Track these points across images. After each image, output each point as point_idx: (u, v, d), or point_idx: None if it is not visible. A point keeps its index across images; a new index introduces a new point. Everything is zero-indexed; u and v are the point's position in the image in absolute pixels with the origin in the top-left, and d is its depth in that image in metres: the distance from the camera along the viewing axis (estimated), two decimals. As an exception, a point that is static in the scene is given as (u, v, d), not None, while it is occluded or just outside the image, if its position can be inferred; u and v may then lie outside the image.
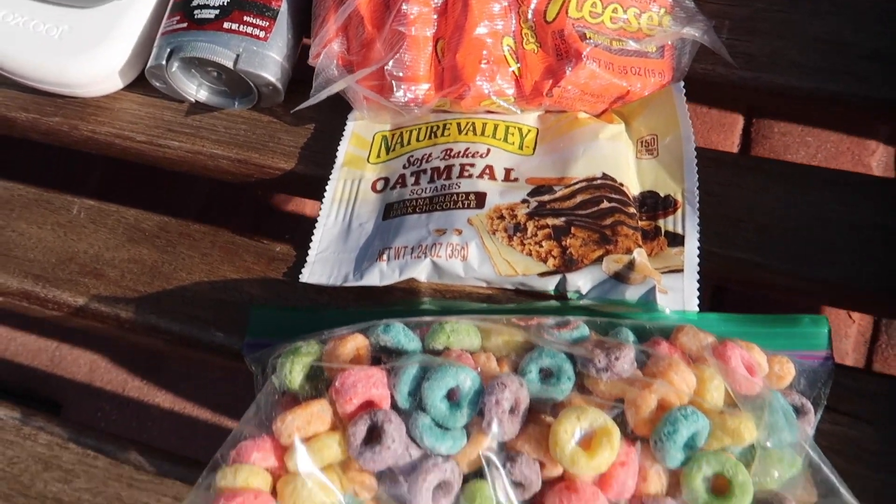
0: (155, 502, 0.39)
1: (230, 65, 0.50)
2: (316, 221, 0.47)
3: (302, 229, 1.10)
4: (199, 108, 0.55)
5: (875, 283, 0.43)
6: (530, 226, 0.42)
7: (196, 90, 0.55)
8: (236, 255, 0.48)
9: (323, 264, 0.45)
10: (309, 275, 0.45)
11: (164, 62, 0.51)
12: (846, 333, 0.91)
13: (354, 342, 0.35)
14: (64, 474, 0.40)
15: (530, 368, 0.34)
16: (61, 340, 1.10)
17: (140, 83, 0.57)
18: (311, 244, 0.46)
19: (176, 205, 1.12)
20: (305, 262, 0.46)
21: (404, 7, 0.46)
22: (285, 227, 1.11)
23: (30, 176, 0.57)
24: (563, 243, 0.41)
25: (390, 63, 0.45)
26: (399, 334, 0.35)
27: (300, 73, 0.54)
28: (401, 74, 0.46)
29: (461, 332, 0.35)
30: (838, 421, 0.39)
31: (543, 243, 0.42)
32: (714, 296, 0.94)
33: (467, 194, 0.44)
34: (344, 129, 0.51)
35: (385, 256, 0.43)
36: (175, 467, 0.41)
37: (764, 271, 0.45)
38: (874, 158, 1.02)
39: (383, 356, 0.35)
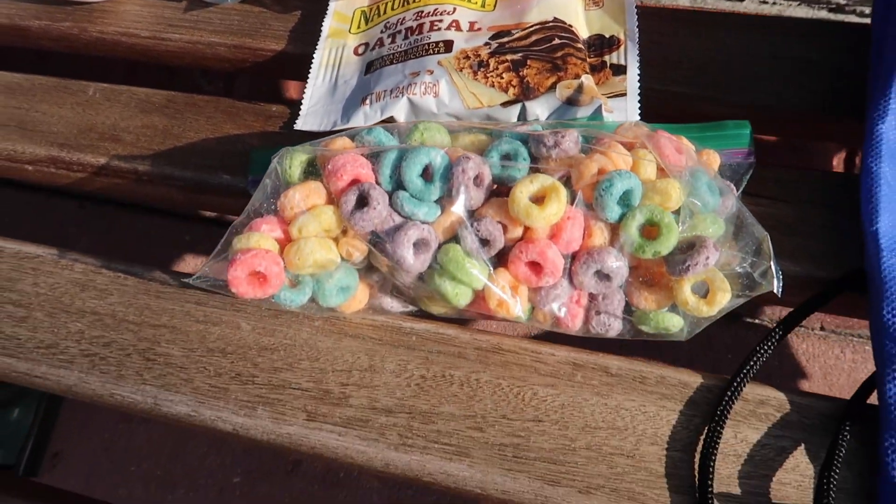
0: (180, 308, 0.45)
1: (222, -46, 0.56)
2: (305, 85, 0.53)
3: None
4: (196, 4, 0.61)
5: (796, 105, 0.50)
6: (492, 62, 0.49)
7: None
8: (237, 115, 0.54)
9: (314, 115, 0.52)
10: (302, 124, 0.51)
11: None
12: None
13: (342, 141, 0.41)
14: (99, 293, 0.47)
15: (492, 154, 0.40)
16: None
17: (140, -12, 0.63)
18: (302, 101, 0.52)
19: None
20: (298, 115, 0.52)
21: None
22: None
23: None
24: (521, 73, 0.48)
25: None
26: (380, 135, 0.41)
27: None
28: (374, -56, 0.52)
29: (433, 130, 0.41)
30: (759, 203, 0.45)
31: (504, 75, 0.48)
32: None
33: (437, 43, 0.50)
34: (327, 10, 0.57)
35: (367, 101, 0.50)
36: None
37: (697, 101, 0.51)
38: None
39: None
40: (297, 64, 0.59)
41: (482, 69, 0.48)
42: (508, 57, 0.48)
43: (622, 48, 0.49)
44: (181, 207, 1.15)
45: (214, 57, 0.60)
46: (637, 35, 0.49)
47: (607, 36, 0.50)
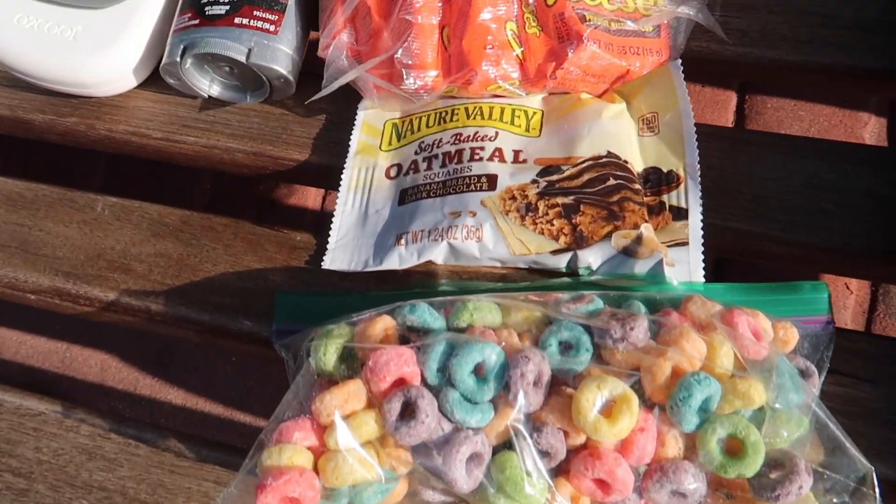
0: (197, 486, 0.41)
1: (243, 59, 0.52)
2: (332, 210, 0.49)
3: (307, 218, 1.12)
4: (212, 103, 0.57)
5: (867, 247, 0.46)
6: (541, 205, 0.44)
7: (209, 85, 0.56)
8: (258, 245, 0.50)
9: (343, 250, 0.47)
10: (331, 261, 0.47)
11: (178, 59, 0.53)
12: (844, 304, 0.94)
13: (383, 323, 0.37)
14: (107, 463, 0.43)
15: (550, 342, 0.36)
16: (72, 342, 1.12)
17: (153, 80, 0.58)
18: (330, 231, 0.48)
19: (180, 198, 1.14)
20: (326, 249, 0.48)
21: (409, -3, 0.48)
22: (291, 218, 1.13)
23: (41, 169, 0.58)
24: (574, 221, 0.44)
25: (399, 52, 0.47)
26: (425, 314, 0.37)
27: (310, 64, 0.55)
28: (410, 62, 0.47)
29: (483, 310, 0.37)
30: (841, 382, 0.41)
31: (555, 221, 0.44)
32: (717, 267, 0.96)
33: (479, 177, 0.46)
34: (355, 119, 0.53)
35: (403, 241, 0.45)
36: (213, 453, 0.44)
37: (762, 240, 0.47)
38: (866, 130, 1.04)
39: (411, 335, 0.37)
40: (321, 175, 0.54)
41: (530, 213, 0.44)
42: (559, 200, 0.44)
43: (682, 187, 0.45)
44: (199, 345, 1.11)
45: (232, 162, 0.56)
46: (698, 171, 0.45)
47: (665, 171, 0.46)
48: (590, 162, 0.45)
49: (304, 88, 0.54)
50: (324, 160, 0.54)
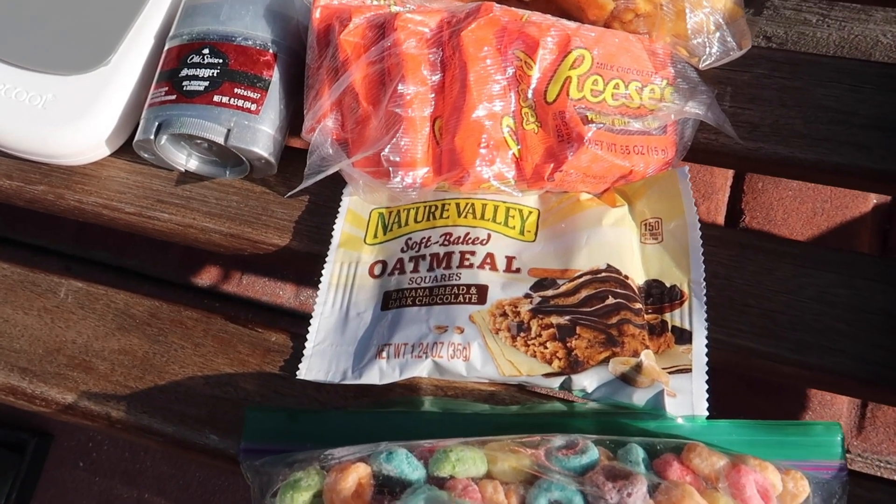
0: None
1: (221, 141, 0.49)
2: (310, 300, 0.46)
3: (286, 294, 1.09)
4: (189, 176, 0.54)
5: (882, 373, 0.43)
6: (534, 325, 0.41)
7: (186, 160, 0.53)
8: (230, 345, 0.46)
9: (321, 358, 0.44)
10: (307, 370, 0.44)
11: (152, 137, 0.50)
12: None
13: (356, 473, 0.34)
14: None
15: (539, 500, 0.33)
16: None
17: (128, 148, 0.55)
18: (307, 335, 0.45)
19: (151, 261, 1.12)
20: (302, 355, 0.44)
21: (400, 87, 0.45)
22: (268, 291, 1.11)
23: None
24: (569, 344, 0.40)
25: (387, 148, 0.44)
26: (402, 463, 0.34)
27: (294, 138, 0.52)
28: (398, 159, 0.44)
29: (466, 461, 0.34)
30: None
31: (548, 344, 0.40)
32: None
33: (468, 287, 0.43)
34: (339, 205, 0.50)
35: (385, 354, 0.42)
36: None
37: (770, 360, 0.44)
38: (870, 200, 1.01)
39: (385, 489, 0.34)
40: (301, 262, 0.51)
41: (522, 334, 0.41)
42: (553, 320, 0.41)
43: (686, 306, 0.42)
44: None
45: (208, 242, 0.53)
46: (704, 288, 0.42)
47: (668, 285, 0.43)
48: (588, 276, 0.42)
49: (287, 165, 0.51)
50: (305, 247, 0.51)
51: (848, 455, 0.99)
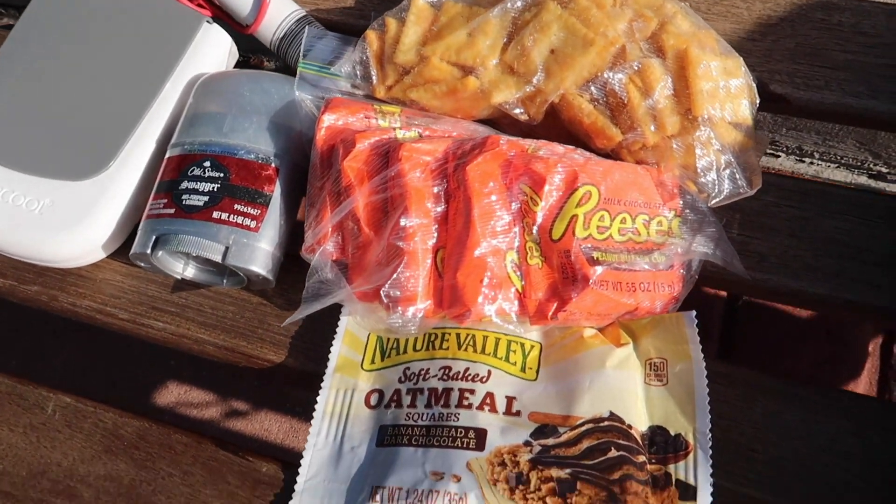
0: None
1: (218, 259, 0.48)
2: (303, 420, 0.44)
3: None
4: (185, 282, 0.53)
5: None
6: (533, 477, 0.40)
7: (182, 269, 0.52)
8: (219, 475, 0.45)
9: (312, 495, 0.43)
10: (296, 511, 0.42)
11: (149, 251, 0.49)
12: None
13: None
14: None
15: None
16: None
17: (125, 250, 0.54)
18: (299, 469, 0.43)
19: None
20: (293, 490, 0.43)
21: (403, 220, 0.44)
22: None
23: None
24: (569, 501, 0.39)
25: (387, 284, 0.43)
26: None
27: (293, 248, 0.51)
28: (398, 294, 0.43)
29: None
30: None
31: (548, 499, 0.39)
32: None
33: (466, 430, 0.42)
34: (338, 324, 0.49)
35: (378, 498, 0.41)
36: None
37: (778, 514, 0.43)
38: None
39: None
40: (296, 380, 0.50)
41: (521, 486, 0.40)
42: (553, 473, 0.40)
43: (691, 458, 0.41)
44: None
45: (202, 353, 0.52)
46: (709, 440, 0.41)
47: (672, 434, 0.41)
48: (590, 425, 0.41)
49: (286, 275, 0.50)
50: (300, 365, 0.50)
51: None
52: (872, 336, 0.92)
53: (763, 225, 0.50)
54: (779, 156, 1.06)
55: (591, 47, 0.46)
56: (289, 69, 0.57)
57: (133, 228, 0.54)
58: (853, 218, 0.50)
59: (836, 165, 1.06)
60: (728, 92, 0.47)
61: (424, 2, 0.51)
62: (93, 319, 0.53)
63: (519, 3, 0.49)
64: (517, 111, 0.49)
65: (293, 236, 0.51)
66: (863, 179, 1.06)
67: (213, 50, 0.58)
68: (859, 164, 1.04)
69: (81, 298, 0.54)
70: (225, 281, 0.53)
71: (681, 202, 0.47)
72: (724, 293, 0.99)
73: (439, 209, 0.45)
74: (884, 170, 1.03)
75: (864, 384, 0.91)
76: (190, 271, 0.53)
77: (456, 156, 0.45)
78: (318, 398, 0.46)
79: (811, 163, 1.06)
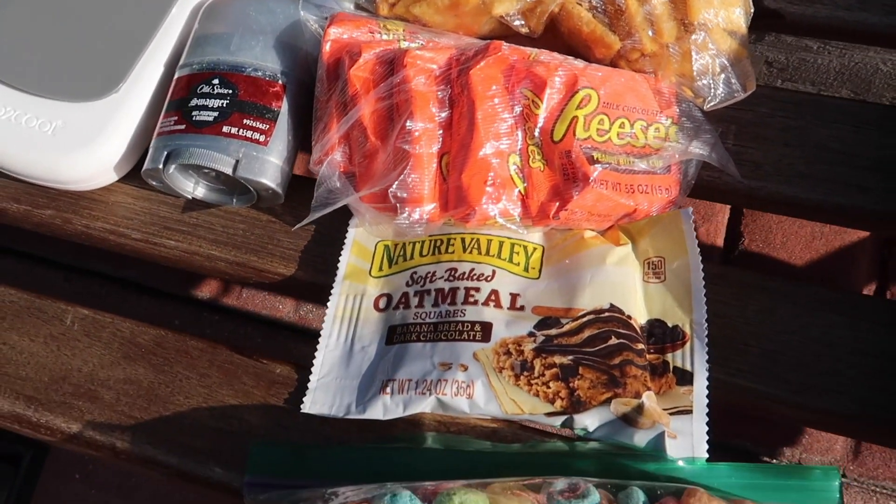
0: None
1: (229, 171, 0.49)
2: (317, 341, 0.46)
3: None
4: (196, 203, 0.54)
5: (885, 417, 0.43)
6: (537, 364, 0.41)
7: (193, 188, 0.54)
8: (235, 376, 0.47)
9: (325, 391, 0.44)
10: (311, 404, 0.44)
11: (160, 166, 0.50)
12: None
13: (360, 516, 0.34)
14: None
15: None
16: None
17: (136, 173, 0.55)
18: (312, 368, 0.45)
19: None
20: (307, 388, 0.45)
21: (409, 124, 0.45)
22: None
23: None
24: (571, 385, 0.41)
25: (394, 185, 0.44)
26: (406, 503, 0.34)
27: (301, 165, 0.53)
28: (405, 196, 0.45)
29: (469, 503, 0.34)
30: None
31: (551, 384, 0.41)
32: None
33: (472, 324, 0.43)
34: (346, 235, 0.50)
35: (388, 389, 0.42)
36: None
37: (770, 401, 0.44)
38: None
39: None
40: (306, 291, 0.51)
41: (525, 373, 0.41)
42: (556, 360, 0.41)
43: (688, 347, 0.42)
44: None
45: (214, 269, 0.53)
46: (706, 329, 0.42)
47: (670, 325, 0.43)
48: (591, 316, 0.42)
49: (294, 194, 0.51)
50: (310, 277, 0.51)
51: (844, 480, 0.99)
52: (871, 245, 0.95)
53: (757, 135, 0.52)
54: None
55: (590, -42, 0.47)
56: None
57: (144, 151, 0.55)
58: (846, 126, 0.51)
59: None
60: (723, 0, 0.49)
61: (425, -81, 0.52)
62: (106, 241, 0.55)
63: (518, -83, 0.50)
64: (518, 23, 0.50)
65: (301, 158, 0.52)
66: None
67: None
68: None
69: (94, 220, 0.55)
70: (235, 200, 0.54)
71: (677, 110, 0.49)
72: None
73: (444, 115, 0.46)
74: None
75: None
76: (200, 191, 0.54)
77: (459, 62, 0.46)
78: (328, 303, 0.47)
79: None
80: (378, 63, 0.47)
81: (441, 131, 0.46)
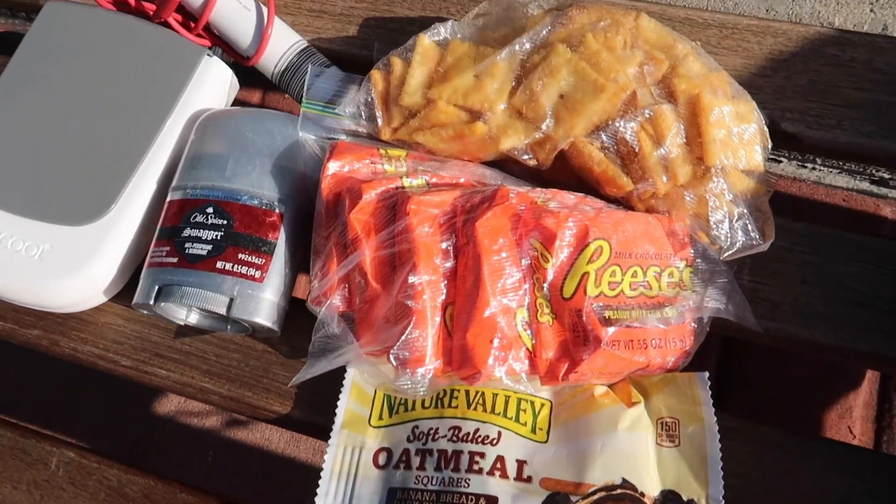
0: None
1: (223, 312, 0.47)
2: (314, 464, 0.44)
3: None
4: (188, 329, 0.52)
5: None
6: (546, 548, 0.39)
7: (186, 315, 0.52)
8: (227, 536, 0.44)
9: (321, 558, 0.42)
10: (305, 575, 0.42)
11: (151, 302, 0.48)
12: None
13: None
14: None
15: None
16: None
17: (127, 292, 0.53)
18: (308, 530, 0.43)
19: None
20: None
21: (411, 278, 0.43)
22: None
23: None
24: (582, 572, 0.39)
25: (396, 346, 0.42)
26: None
27: (300, 288, 0.50)
28: (407, 356, 0.42)
29: None
30: None
31: (560, 571, 0.39)
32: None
33: (477, 498, 0.41)
34: (344, 376, 0.48)
35: (388, 564, 0.40)
36: None
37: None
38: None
39: None
40: (303, 430, 0.49)
41: (533, 558, 0.39)
42: (566, 543, 0.39)
43: (703, 528, 0.40)
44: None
45: (206, 402, 0.51)
46: (722, 505, 0.40)
47: (685, 499, 0.41)
48: (602, 493, 0.40)
49: (292, 320, 0.50)
50: (307, 416, 0.49)
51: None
52: (870, 379, 0.90)
53: (774, 271, 0.50)
54: (780, 161, 1.05)
55: (602, 93, 0.45)
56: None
57: (135, 271, 0.53)
58: (866, 264, 0.49)
59: (838, 171, 1.05)
60: (741, 138, 0.46)
61: (430, 41, 0.50)
62: (95, 365, 0.53)
63: (527, 45, 0.48)
64: (526, 157, 0.48)
65: (300, 276, 0.50)
66: (864, 185, 1.05)
67: (214, 83, 0.57)
68: (861, 169, 1.03)
69: (83, 343, 0.53)
70: (229, 327, 0.52)
71: (692, 251, 0.47)
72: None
73: (448, 264, 0.44)
74: (886, 175, 1.03)
75: (859, 429, 0.90)
76: (193, 318, 0.52)
77: (465, 209, 0.44)
78: (325, 456, 0.45)
79: (813, 168, 1.05)
80: (379, 205, 0.45)
81: (445, 282, 0.44)
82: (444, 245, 0.44)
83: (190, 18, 0.60)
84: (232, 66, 0.59)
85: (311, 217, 0.49)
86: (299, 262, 0.51)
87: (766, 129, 0.48)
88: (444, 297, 0.44)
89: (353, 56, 0.60)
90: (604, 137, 0.46)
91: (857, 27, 1.03)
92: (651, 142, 0.45)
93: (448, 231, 0.44)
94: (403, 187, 0.46)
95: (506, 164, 0.51)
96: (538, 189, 0.46)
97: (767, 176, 0.48)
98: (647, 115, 0.45)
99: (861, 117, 0.52)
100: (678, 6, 0.56)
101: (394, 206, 0.45)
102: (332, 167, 0.47)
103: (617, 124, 0.45)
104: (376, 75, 0.50)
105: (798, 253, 0.50)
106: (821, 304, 0.48)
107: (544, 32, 0.47)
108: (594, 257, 0.43)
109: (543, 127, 0.46)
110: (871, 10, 1.02)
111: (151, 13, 0.58)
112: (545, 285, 0.43)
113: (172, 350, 0.52)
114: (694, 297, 0.45)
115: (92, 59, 0.56)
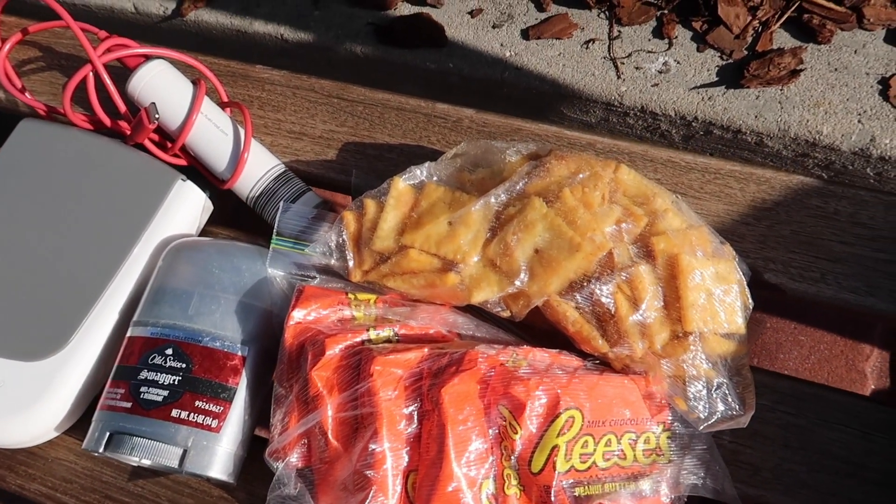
0: None
1: (175, 465, 0.45)
2: None
3: None
4: (143, 471, 0.50)
5: None
6: None
7: (139, 458, 0.49)
8: None
9: None
10: None
11: (101, 449, 0.46)
12: None
13: None
14: None
15: None
16: None
17: (80, 425, 0.51)
18: None
19: None
20: None
21: (372, 445, 0.41)
22: None
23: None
24: None
25: (353, 519, 0.40)
26: None
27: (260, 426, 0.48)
28: (365, 529, 0.40)
29: None
30: None
31: None
32: None
33: None
34: (303, 533, 0.45)
35: None
36: None
37: None
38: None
39: None
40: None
41: None
42: None
43: None
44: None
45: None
46: None
47: None
48: None
49: (251, 462, 0.47)
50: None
51: None
52: None
53: (756, 432, 0.48)
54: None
55: (578, 252, 0.44)
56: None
57: (90, 404, 0.51)
58: (852, 430, 0.47)
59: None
60: (721, 301, 0.45)
61: (405, 184, 0.49)
62: None
63: (503, 197, 0.46)
64: (498, 309, 0.46)
65: (261, 417, 0.48)
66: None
67: (187, 208, 0.56)
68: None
69: (30, 481, 0.50)
70: (184, 470, 0.50)
71: (669, 416, 0.45)
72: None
73: (412, 429, 0.42)
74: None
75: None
76: (146, 461, 0.49)
77: (431, 371, 0.42)
78: None
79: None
80: (343, 363, 0.43)
81: (408, 448, 0.42)
82: (407, 410, 0.42)
83: (167, 139, 0.59)
84: (207, 185, 0.57)
85: (275, 358, 0.47)
86: (261, 406, 0.49)
87: (746, 288, 0.46)
88: (406, 463, 0.41)
89: (331, 180, 0.59)
90: (578, 298, 0.44)
91: (844, 137, 1.03)
92: (628, 304, 0.44)
93: (413, 394, 0.42)
94: (370, 340, 0.45)
95: (479, 310, 0.49)
96: (509, 348, 0.44)
97: (750, 330, 0.46)
98: (624, 278, 0.44)
99: (845, 272, 0.50)
100: (661, 147, 0.55)
101: (358, 365, 0.43)
102: (297, 315, 0.46)
103: (593, 285, 0.44)
104: (349, 216, 0.49)
105: (781, 413, 0.48)
106: (803, 471, 0.46)
107: (521, 184, 0.46)
108: (565, 429, 0.41)
109: (517, 282, 0.45)
110: (860, 121, 1.02)
111: (126, 134, 0.57)
112: (513, 457, 0.41)
113: (124, 492, 0.49)
114: (671, 468, 0.43)
115: (63, 181, 0.55)
